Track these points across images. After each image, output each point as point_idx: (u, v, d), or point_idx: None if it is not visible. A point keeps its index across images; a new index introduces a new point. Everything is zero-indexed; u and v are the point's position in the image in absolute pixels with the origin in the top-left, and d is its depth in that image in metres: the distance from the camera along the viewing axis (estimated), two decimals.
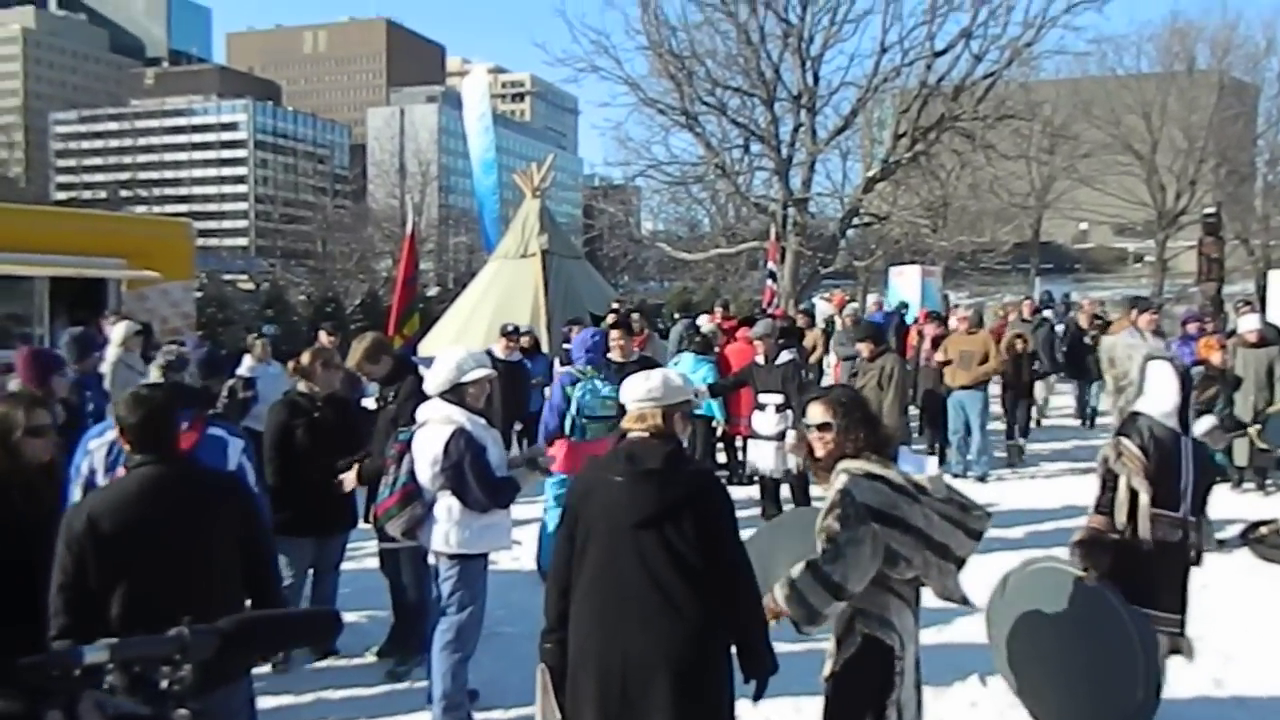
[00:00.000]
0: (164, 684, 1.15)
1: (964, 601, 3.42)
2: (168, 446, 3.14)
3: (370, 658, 5.67)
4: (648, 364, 8.83)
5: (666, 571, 3.08)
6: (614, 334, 8.31)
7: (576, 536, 3.23)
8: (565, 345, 11.53)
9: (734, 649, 3.18)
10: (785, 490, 8.48)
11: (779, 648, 3.23)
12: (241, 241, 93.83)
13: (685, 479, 3.22)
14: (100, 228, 15.99)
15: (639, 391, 3.31)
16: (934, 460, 3.77)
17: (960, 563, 3.36)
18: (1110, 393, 4.78)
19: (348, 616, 6.05)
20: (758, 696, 3.20)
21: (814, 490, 7.79)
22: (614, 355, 8.31)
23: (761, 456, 8.39)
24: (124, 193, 70.80)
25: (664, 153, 26.01)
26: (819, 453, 3.42)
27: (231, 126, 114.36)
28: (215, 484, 3.33)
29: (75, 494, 4.10)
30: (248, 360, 9.02)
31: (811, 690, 4.70)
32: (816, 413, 3.43)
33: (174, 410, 3.22)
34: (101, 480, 4.12)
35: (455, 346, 5.20)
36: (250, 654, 1.26)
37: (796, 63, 23.10)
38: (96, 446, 4.25)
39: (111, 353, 7.45)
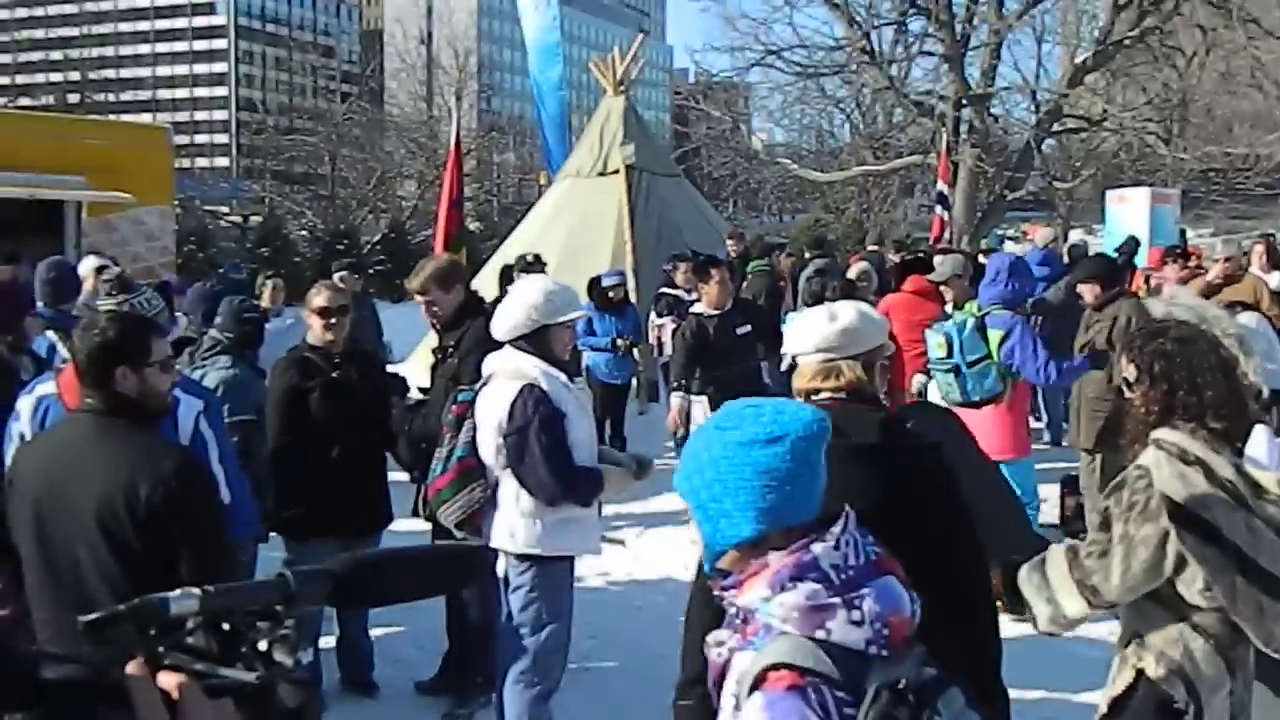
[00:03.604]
0: (262, 643, 1.18)
1: None
2: (110, 393, 3.39)
3: (419, 696, 5.81)
4: (752, 312, 8.80)
5: None
6: (714, 273, 8.36)
7: None
8: (663, 290, 11.58)
9: None
10: None
11: None
12: (222, 161, 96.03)
13: (913, 456, 3.09)
14: (54, 135, 16.45)
15: (824, 335, 3.15)
16: None
17: None
18: None
19: (389, 642, 6.21)
20: None
21: None
22: (704, 304, 8.36)
23: None
24: (70, 97, 73.02)
25: (789, 34, 25.77)
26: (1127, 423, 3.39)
27: (205, 8, 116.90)
28: (151, 456, 3.45)
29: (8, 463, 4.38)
30: None
31: None
32: (1123, 364, 3.40)
33: (123, 348, 3.44)
34: None
35: (536, 279, 5.23)
36: (368, 603, 1.29)
37: None
38: (24, 405, 4.52)
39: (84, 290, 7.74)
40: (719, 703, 2.18)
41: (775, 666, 1.97)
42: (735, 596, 2.13)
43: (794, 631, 2.01)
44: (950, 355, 6.77)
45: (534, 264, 10.10)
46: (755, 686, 1.99)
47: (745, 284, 12.21)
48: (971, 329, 6.76)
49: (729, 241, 14.14)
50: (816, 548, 2.07)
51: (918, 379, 8.15)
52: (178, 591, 1.13)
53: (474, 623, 5.59)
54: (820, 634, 1.99)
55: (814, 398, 3.13)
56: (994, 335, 6.80)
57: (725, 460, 2.13)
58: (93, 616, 1.11)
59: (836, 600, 2.02)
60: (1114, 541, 3.18)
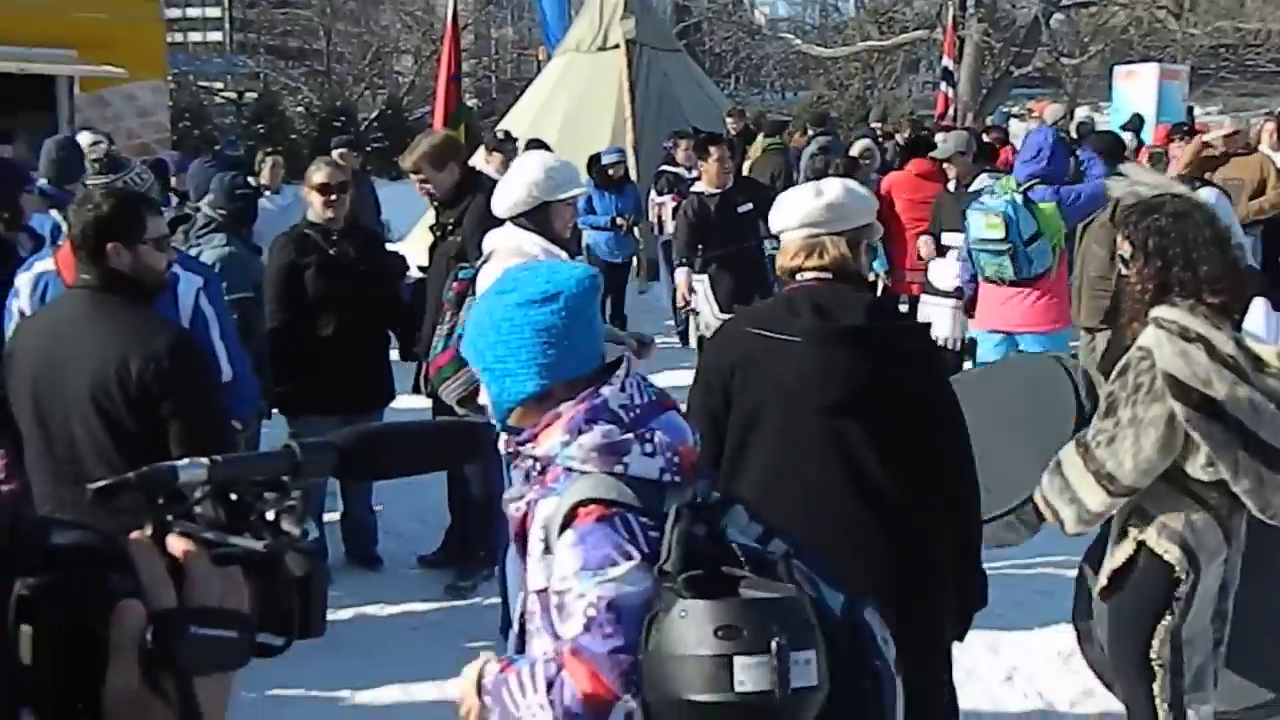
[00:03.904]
0: (269, 513, 1.19)
1: None
2: (105, 269, 3.42)
3: (422, 569, 5.92)
4: (753, 191, 8.73)
5: (878, 470, 2.94)
6: (713, 151, 8.27)
7: (731, 428, 3.02)
8: (664, 168, 11.49)
9: None
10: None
11: None
12: (215, 36, 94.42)
13: (899, 336, 3.11)
14: (43, 6, 16.05)
15: (808, 210, 3.10)
16: None
17: None
18: None
19: (391, 517, 6.30)
20: (960, 636, 3.19)
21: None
22: (704, 183, 8.30)
23: (937, 320, 8.31)
24: None
25: None
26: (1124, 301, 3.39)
27: None
28: (144, 332, 3.47)
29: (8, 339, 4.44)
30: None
31: (1007, 626, 4.84)
32: (1119, 241, 3.38)
33: (116, 224, 3.45)
34: None
35: (536, 154, 5.17)
36: (371, 475, 1.30)
37: None
38: (24, 282, 4.54)
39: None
40: (524, 552, 2.28)
41: (582, 503, 2.10)
42: (533, 448, 2.25)
43: (594, 470, 2.14)
44: (1008, 236, 6.67)
45: (505, 141, 9.97)
46: (566, 525, 2.11)
47: (753, 162, 12.10)
48: (1022, 206, 6.68)
49: (728, 119, 13.96)
50: (605, 391, 2.21)
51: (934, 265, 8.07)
52: (185, 460, 1.14)
53: (476, 498, 5.65)
54: (619, 468, 2.13)
55: (798, 276, 3.10)
56: (1045, 208, 6.72)
57: (506, 322, 2.25)
58: (101, 484, 1.12)
59: (629, 436, 2.16)
60: (1122, 424, 3.17)
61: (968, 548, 3.10)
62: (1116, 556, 3.37)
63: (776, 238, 3.25)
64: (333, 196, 5.70)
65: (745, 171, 11.38)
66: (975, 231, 6.81)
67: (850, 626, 2.12)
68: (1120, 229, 3.41)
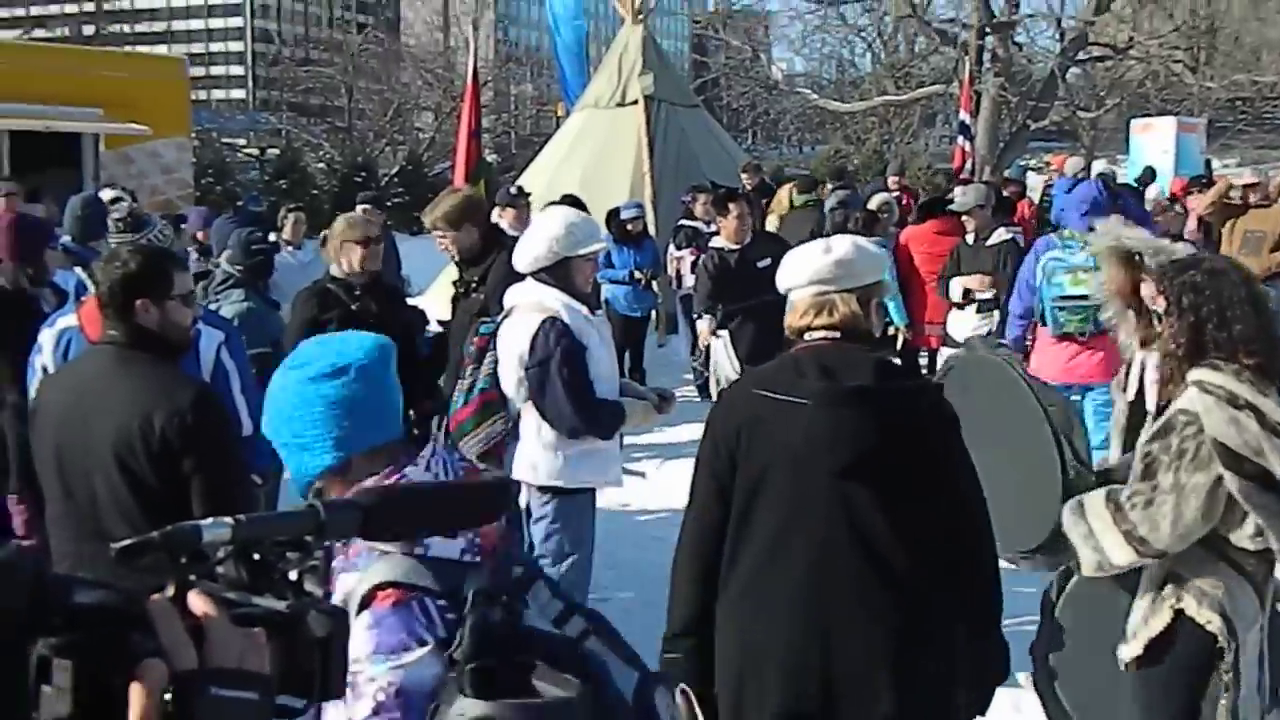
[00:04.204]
0: (292, 573, 1.18)
1: None
2: (131, 325, 3.45)
3: None
4: (773, 247, 8.70)
5: (886, 533, 2.87)
6: (731, 208, 8.28)
7: (737, 491, 2.95)
8: (682, 222, 11.52)
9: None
10: None
11: None
12: (238, 93, 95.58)
13: (909, 398, 3.05)
14: (70, 66, 16.44)
15: (817, 267, 3.04)
16: None
17: None
18: None
19: None
20: (981, 709, 3.06)
21: None
22: (724, 239, 8.30)
23: None
24: (85, 29, 72.65)
25: None
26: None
27: None
28: (168, 389, 3.47)
29: (32, 395, 4.46)
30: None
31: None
32: (1148, 291, 3.38)
33: (144, 280, 3.48)
34: None
35: (558, 210, 5.20)
36: (396, 535, 1.30)
37: None
38: (46, 338, 4.55)
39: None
40: None
41: (381, 586, 2.08)
42: None
43: (394, 551, 2.11)
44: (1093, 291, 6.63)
45: (517, 196, 10.00)
46: (364, 605, 2.09)
47: (783, 218, 12.07)
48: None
49: (743, 175, 13.85)
50: (409, 470, 2.22)
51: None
52: (209, 520, 1.14)
53: None
54: (419, 550, 2.10)
55: (806, 335, 3.03)
56: None
57: (298, 397, 2.25)
58: (125, 543, 1.12)
59: None
60: (1162, 490, 3.11)
61: (983, 616, 3.00)
62: (1152, 625, 3.28)
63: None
64: (371, 249, 5.81)
65: (775, 227, 11.44)
66: (1061, 289, 6.73)
67: (643, 710, 2.08)
68: (1156, 284, 3.37)
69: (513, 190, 10.14)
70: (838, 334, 2.98)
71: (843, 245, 3.08)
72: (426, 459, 2.26)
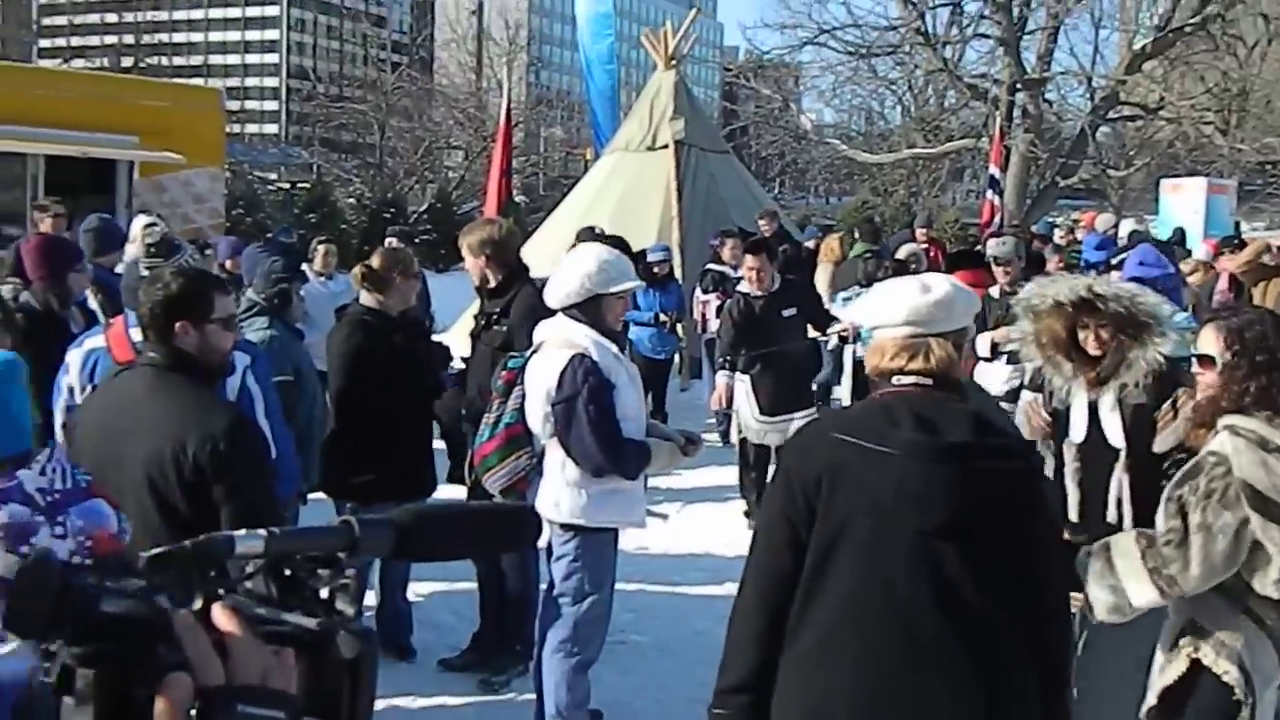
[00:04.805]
0: (323, 591, 1.15)
1: None
2: (170, 348, 3.48)
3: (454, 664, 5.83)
4: (798, 295, 8.68)
5: (970, 594, 2.68)
6: (750, 259, 8.26)
7: (814, 538, 2.75)
8: (709, 266, 11.52)
9: None
10: None
11: None
12: (271, 128, 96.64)
13: (1009, 456, 2.82)
14: (108, 94, 16.59)
15: (915, 306, 2.81)
16: None
17: None
18: None
19: (427, 608, 6.24)
20: None
21: None
22: (748, 285, 8.27)
23: None
24: (124, 60, 73.64)
25: (842, 13, 25.62)
26: (1196, 397, 3.35)
27: None
28: (203, 413, 3.46)
29: (58, 418, 4.50)
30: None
31: None
32: (1205, 340, 3.34)
33: (185, 303, 3.49)
34: (80, 399, 4.40)
35: (591, 247, 5.19)
36: (427, 556, 1.27)
37: None
38: (74, 358, 4.57)
39: (131, 250, 7.78)
40: None
41: None
42: None
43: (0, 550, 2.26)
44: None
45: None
46: None
47: (839, 262, 12.10)
48: None
49: (761, 221, 13.63)
50: (22, 474, 2.37)
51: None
52: (243, 531, 1.11)
53: (512, 592, 5.59)
54: (25, 549, 2.23)
55: (897, 379, 2.81)
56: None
57: None
58: (155, 551, 1.09)
59: (40, 519, 2.32)
60: (1191, 530, 3.12)
61: (1057, 678, 2.80)
62: (1168, 674, 3.29)
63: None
64: (412, 281, 5.96)
65: (829, 275, 11.66)
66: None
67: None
68: (1213, 330, 3.36)
69: (597, 230, 10.30)
70: (930, 381, 2.77)
71: (942, 285, 2.87)
72: (43, 464, 2.40)
